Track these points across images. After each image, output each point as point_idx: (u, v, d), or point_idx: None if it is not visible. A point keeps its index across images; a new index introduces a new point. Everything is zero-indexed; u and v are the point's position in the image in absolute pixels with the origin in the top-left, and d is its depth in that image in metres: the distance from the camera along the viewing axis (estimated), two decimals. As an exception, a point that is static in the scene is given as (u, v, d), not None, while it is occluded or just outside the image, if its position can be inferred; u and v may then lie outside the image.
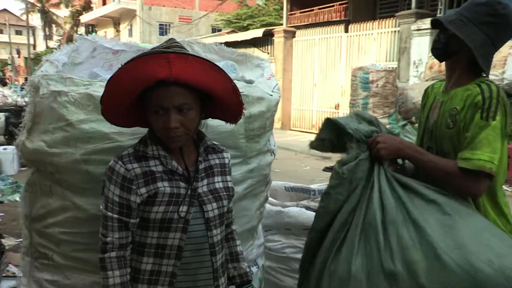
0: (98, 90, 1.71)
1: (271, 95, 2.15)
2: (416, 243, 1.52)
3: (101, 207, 1.45)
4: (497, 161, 1.59)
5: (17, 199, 5.37)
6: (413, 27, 10.78)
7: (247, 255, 2.10)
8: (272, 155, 2.23)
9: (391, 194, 1.67)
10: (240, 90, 1.94)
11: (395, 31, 11.72)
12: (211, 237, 1.45)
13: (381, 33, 12.18)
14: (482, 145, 1.58)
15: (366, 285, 1.56)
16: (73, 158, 1.71)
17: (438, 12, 10.53)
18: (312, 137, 2.04)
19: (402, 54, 11.27)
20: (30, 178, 1.99)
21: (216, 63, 1.41)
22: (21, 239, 2.22)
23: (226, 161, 1.61)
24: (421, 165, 1.78)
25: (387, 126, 9.17)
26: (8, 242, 4.00)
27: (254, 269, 2.17)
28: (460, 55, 1.73)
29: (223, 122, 1.70)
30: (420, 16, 10.79)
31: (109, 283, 1.38)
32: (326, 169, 8.42)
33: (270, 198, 2.77)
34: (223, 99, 1.43)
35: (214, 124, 1.82)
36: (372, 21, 12.67)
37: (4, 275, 3.04)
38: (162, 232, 1.40)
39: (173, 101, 1.33)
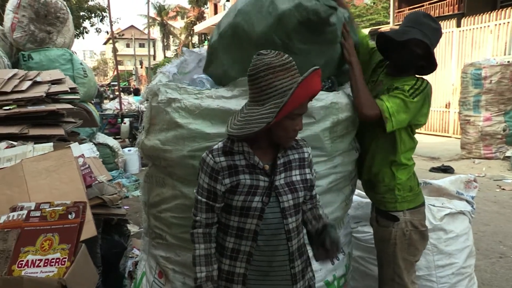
0: (205, 100, 2.00)
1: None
2: None
3: (194, 191, 1.72)
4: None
5: (139, 194, 6.00)
6: (538, 14, 9.81)
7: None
8: (357, 152, 2.33)
9: None
10: (331, 99, 2.09)
11: (515, 21, 10.74)
12: (286, 225, 1.63)
13: (499, 24, 11.10)
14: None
15: None
16: (181, 154, 2.02)
17: None
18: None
19: (524, 46, 10.32)
20: (148, 171, 2.35)
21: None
22: (142, 228, 2.59)
23: (306, 155, 1.75)
24: (352, 76, 2.21)
25: (503, 124, 8.42)
26: (133, 229, 4.55)
27: (340, 256, 2.27)
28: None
29: (308, 126, 1.89)
30: (547, 2, 9.78)
31: (195, 253, 1.65)
32: (433, 169, 8.12)
33: (360, 192, 2.86)
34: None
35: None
36: (489, 12, 11.65)
37: (130, 255, 3.53)
38: (241, 217, 1.62)
39: (306, 109, 1.59)
